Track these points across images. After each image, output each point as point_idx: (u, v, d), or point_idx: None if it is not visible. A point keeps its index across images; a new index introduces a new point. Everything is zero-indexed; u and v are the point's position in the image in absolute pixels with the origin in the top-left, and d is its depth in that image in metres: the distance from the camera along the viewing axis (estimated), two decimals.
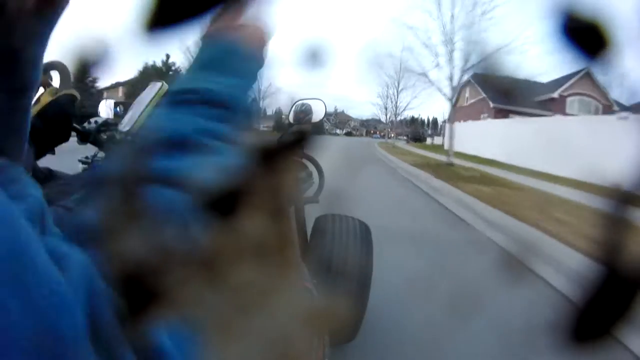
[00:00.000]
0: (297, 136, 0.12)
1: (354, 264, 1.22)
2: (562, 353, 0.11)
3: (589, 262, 0.11)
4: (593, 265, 0.10)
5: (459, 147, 13.89)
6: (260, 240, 0.11)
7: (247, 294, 0.11)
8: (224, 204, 0.11)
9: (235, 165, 0.11)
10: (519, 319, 1.58)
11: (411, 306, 1.65)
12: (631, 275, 0.10)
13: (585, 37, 0.11)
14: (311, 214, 1.26)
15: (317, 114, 1.05)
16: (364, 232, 1.34)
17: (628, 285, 0.10)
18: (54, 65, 0.72)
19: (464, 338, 1.42)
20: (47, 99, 0.66)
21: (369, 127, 65.74)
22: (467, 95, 22.43)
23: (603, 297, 0.10)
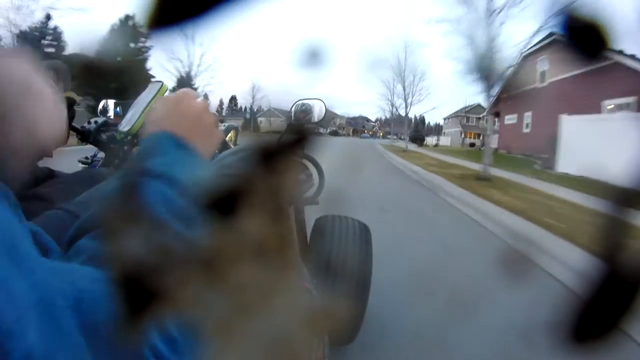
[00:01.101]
0: (297, 136, 0.12)
1: (353, 264, 1.22)
2: (564, 352, 0.11)
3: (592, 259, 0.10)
4: (595, 263, 0.10)
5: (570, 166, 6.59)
6: (260, 241, 0.11)
7: (246, 294, 0.11)
8: (224, 203, 0.11)
9: (234, 167, 0.11)
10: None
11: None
12: (632, 275, 0.10)
13: (585, 36, 0.11)
14: (311, 214, 1.26)
15: (318, 114, 1.05)
16: (364, 233, 1.34)
17: (628, 285, 0.10)
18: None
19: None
20: None
21: (357, 126, 60.74)
22: (544, 67, 11.43)
23: (604, 297, 0.10)
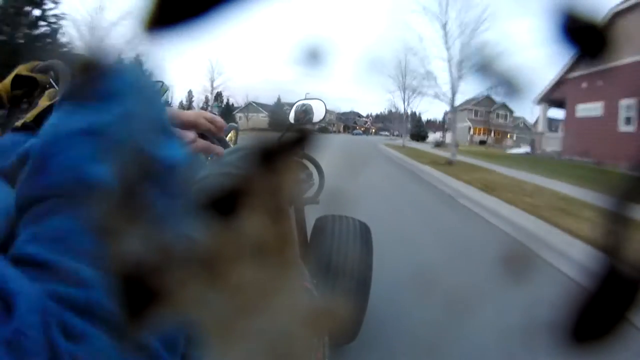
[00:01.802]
0: (297, 136, 0.12)
1: (353, 264, 1.22)
2: (564, 353, 0.11)
3: (592, 256, 0.10)
4: (596, 260, 0.10)
5: None
6: (260, 241, 0.11)
7: (246, 294, 0.11)
8: (224, 203, 0.11)
9: (233, 167, 0.11)
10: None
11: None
12: (632, 273, 0.10)
13: (585, 37, 0.11)
14: (311, 214, 1.26)
15: (318, 114, 1.05)
16: (364, 233, 1.34)
17: (629, 284, 0.10)
18: (53, 66, 0.71)
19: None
20: (45, 103, 0.65)
21: (348, 122, 54.66)
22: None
23: (604, 296, 0.10)
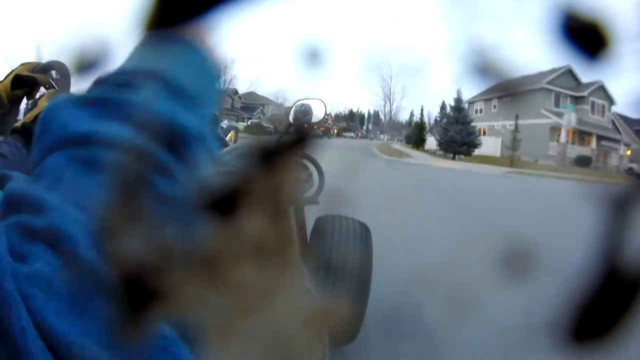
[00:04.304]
0: (297, 136, 0.12)
1: (353, 264, 1.22)
2: (563, 352, 0.11)
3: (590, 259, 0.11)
4: (594, 263, 0.10)
5: None
6: (260, 241, 0.11)
7: (246, 294, 0.11)
8: (224, 204, 0.11)
9: (231, 165, 0.11)
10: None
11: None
12: (631, 275, 0.10)
13: (585, 36, 0.11)
14: (311, 214, 1.26)
15: (317, 114, 1.05)
16: (364, 233, 1.34)
17: (628, 286, 0.10)
18: (53, 66, 0.71)
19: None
20: (44, 103, 0.65)
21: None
22: None
23: (603, 297, 0.10)
